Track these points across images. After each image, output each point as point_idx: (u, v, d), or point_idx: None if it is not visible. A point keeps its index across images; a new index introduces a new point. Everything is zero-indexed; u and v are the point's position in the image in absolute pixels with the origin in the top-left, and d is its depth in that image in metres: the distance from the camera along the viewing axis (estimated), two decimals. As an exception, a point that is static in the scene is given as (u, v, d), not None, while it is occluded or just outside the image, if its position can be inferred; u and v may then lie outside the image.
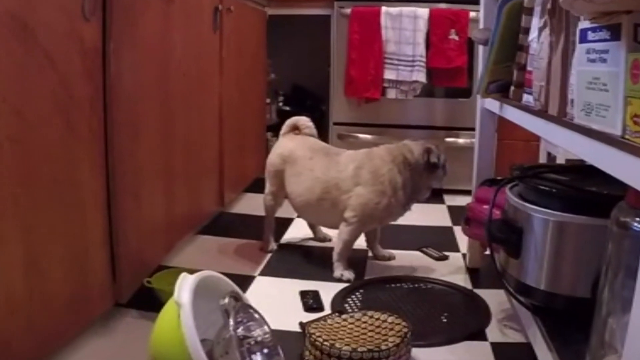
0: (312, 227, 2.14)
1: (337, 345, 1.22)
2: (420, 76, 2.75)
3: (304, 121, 2.03)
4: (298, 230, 2.24)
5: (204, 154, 2.03)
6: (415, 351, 1.32)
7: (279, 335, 1.29)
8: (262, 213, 2.05)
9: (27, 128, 1.02)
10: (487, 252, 1.50)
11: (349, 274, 1.77)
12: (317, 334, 1.28)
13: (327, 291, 1.66)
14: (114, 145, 1.31)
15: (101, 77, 1.26)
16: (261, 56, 2.84)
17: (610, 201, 0.88)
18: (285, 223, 2.31)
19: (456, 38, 2.72)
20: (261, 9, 2.76)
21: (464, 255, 1.99)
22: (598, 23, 0.79)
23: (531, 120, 1.17)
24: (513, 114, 1.35)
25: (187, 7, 1.77)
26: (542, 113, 1.09)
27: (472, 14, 2.67)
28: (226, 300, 1.18)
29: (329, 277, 1.78)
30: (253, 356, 1.20)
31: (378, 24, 2.75)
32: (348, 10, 2.80)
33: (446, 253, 2.02)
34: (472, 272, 1.85)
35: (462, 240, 2.07)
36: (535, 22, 1.21)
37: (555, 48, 1.02)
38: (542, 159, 2.61)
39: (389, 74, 2.78)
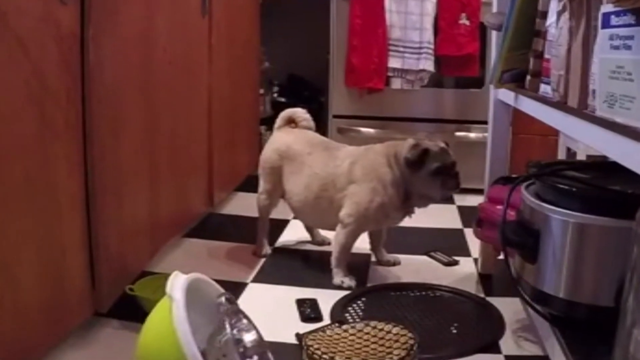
0: (310, 229, 2.14)
1: (337, 358, 1.22)
2: (428, 64, 2.75)
3: (301, 113, 2.02)
4: (294, 233, 2.24)
5: (192, 150, 2.02)
6: (422, 365, 1.33)
7: (274, 348, 1.29)
8: (255, 214, 2.05)
9: (-3, 121, 1.01)
10: (501, 256, 1.50)
11: (350, 281, 1.77)
12: (315, 346, 1.28)
13: (326, 299, 1.66)
14: (93, 140, 1.31)
15: (79, 67, 1.25)
16: (254, 43, 2.84)
17: (636, 201, 0.88)
18: (281, 225, 2.31)
19: (467, 23, 2.72)
20: (254, -9, 2.77)
21: (475, 260, 1.99)
22: (622, 6, 0.79)
23: (549, 112, 1.17)
24: (529, 106, 1.35)
25: (173, -11, 1.77)
26: (560, 105, 1.09)
27: (484, -3, 2.67)
28: (222, 299, 1.19)
29: (328, 284, 1.77)
30: (249, 360, 1.20)
31: (382, 8, 2.75)
32: (349, -7, 2.80)
33: (456, 258, 2.02)
34: (485, 279, 1.85)
35: (474, 243, 2.07)
36: (554, 5, 1.21)
37: (576, 34, 1.02)
38: (561, 155, 2.62)
39: (393, 62, 2.78)
